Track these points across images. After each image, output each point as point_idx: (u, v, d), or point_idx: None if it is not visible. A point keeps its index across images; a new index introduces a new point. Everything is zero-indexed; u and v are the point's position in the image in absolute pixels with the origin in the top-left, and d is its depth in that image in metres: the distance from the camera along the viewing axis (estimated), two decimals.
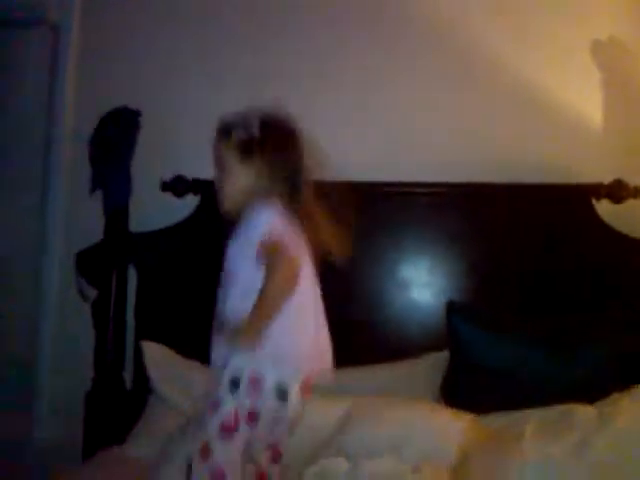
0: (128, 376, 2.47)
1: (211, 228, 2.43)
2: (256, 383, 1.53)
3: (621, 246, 2.26)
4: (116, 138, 2.45)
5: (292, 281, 1.53)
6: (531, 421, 1.63)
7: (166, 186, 2.48)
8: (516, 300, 2.28)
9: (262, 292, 1.51)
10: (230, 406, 1.52)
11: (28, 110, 2.80)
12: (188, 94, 2.61)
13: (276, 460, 1.64)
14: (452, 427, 1.79)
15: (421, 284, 2.38)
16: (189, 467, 1.58)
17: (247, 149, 1.62)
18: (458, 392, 2.10)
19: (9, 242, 2.76)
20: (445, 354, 2.20)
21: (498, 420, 1.85)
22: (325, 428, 1.82)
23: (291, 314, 1.55)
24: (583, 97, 2.41)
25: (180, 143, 2.57)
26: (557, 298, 2.26)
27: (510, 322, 2.18)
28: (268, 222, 1.56)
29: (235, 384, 1.52)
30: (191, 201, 2.49)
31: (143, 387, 2.31)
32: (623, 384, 1.88)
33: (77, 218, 2.65)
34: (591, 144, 2.39)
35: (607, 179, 2.29)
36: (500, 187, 2.35)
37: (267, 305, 1.51)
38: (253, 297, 1.52)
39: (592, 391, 1.89)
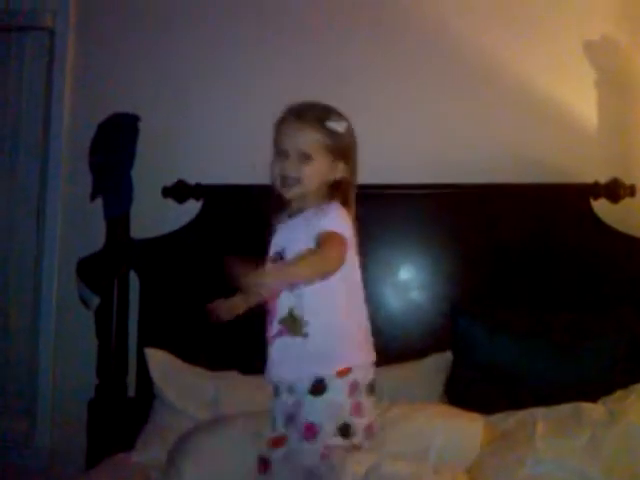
0: (130, 383, 2.47)
1: (213, 233, 2.47)
2: (355, 388, 1.55)
3: (619, 244, 2.28)
4: (115, 145, 2.44)
5: (334, 263, 1.51)
6: (540, 420, 1.65)
7: (167, 191, 2.48)
8: (514, 300, 2.29)
9: (303, 254, 1.51)
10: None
11: (25, 116, 2.78)
12: (187, 99, 2.61)
13: (371, 437, 1.64)
14: (471, 429, 1.81)
15: (419, 285, 2.39)
16: None
17: (337, 149, 1.64)
18: (463, 393, 2.11)
19: (8, 250, 2.75)
20: (448, 355, 2.22)
21: (505, 420, 1.87)
22: None
23: (356, 308, 1.62)
24: (578, 97, 2.43)
25: (180, 149, 2.58)
26: (556, 297, 2.28)
27: (513, 322, 2.19)
28: (341, 221, 1.58)
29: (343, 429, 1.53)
30: (192, 207, 2.49)
31: (145, 393, 2.32)
32: (625, 381, 1.92)
33: (76, 225, 2.65)
34: (587, 144, 2.41)
35: (603, 178, 2.31)
36: (498, 187, 2.37)
37: (300, 266, 1.50)
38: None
39: (595, 389, 1.92)
